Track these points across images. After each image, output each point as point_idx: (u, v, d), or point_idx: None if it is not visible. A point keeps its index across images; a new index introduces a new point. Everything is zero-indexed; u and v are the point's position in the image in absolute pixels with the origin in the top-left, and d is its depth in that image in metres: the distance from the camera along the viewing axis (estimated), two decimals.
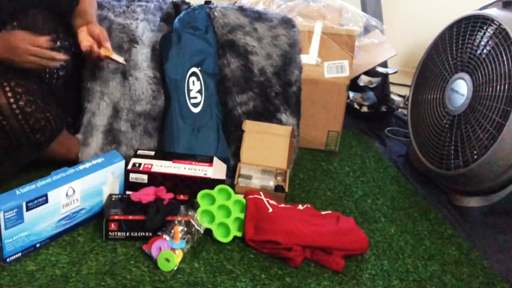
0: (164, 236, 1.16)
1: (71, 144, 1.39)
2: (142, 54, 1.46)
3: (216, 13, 1.55)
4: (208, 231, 1.23)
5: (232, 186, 1.39)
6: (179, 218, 1.19)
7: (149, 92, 1.45)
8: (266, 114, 1.56)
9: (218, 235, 1.22)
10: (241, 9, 1.58)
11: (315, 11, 1.79)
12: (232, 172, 1.47)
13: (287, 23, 1.60)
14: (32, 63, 1.14)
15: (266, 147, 1.51)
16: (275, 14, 1.62)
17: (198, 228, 1.20)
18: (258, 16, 1.58)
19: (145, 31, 1.48)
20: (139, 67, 1.45)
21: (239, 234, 1.24)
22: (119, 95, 1.43)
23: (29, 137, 1.16)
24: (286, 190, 1.41)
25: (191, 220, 1.20)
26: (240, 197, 1.32)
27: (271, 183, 1.45)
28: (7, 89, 1.12)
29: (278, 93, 1.57)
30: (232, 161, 1.51)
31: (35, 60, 1.14)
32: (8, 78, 1.13)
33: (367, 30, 2.02)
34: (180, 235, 1.16)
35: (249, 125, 1.53)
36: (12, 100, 1.12)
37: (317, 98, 1.72)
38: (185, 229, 1.18)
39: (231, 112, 1.54)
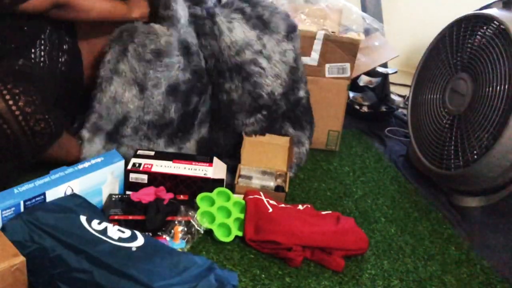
0: (164, 236, 1.16)
1: (70, 147, 1.37)
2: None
3: (222, 27, 1.43)
4: (208, 231, 1.23)
5: (232, 185, 1.39)
6: (179, 218, 1.19)
7: (161, 107, 1.40)
8: (275, 132, 1.54)
9: (219, 235, 1.22)
10: (245, 17, 1.45)
11: (317, 10, 1.78)
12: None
13: (292, 31, 1.51)
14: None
15: (266, 152, 1.51)
16: (279, 20, 1.50)
17: (198, 228, 1.19)
18: (264, 27, 1.47)
19: None
20: (159, 87, 1.38)
21: (240, 234, 1.24)
22: (133, 107, 1.37)
23: (29, 139, 1.14)
24: (286, 190, 1.41)
25: (191, 220, 1.19)
26: (239, 198, 1.32)
27: (271, 184, 1.45)
28: (5, 92, 1.10)
29: (285, 113, 1.53)
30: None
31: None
32: (5, 81, 1.12)
33: (368, 32, 2.02)
34: (180, 235, 1.16)
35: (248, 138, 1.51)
36: (11, 102, 1.10)
37: (317, 97, 1.71)
38: (185, 229, 1.18)
39: (238, 133, 1.50)
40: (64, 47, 1.34)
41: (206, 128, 1.53)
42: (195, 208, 1.25)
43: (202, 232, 1.20)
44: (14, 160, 1.17)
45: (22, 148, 1.15)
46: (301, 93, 1.55)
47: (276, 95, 1.49)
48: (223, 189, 1.32)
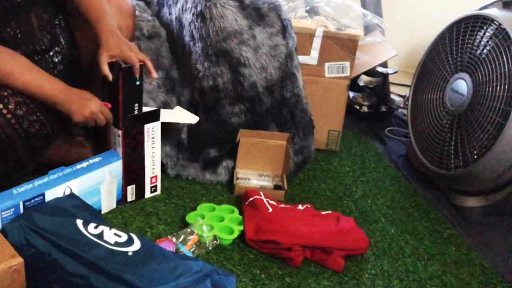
0: (172, 239, 1.15)
1: (69, 150, 1.36)
2: None
3: (214, 12, 1.41)
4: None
5: (231, 187, 1.39)
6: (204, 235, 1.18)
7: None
8: (259, 129, 1.50)
9: (225, 236, 1.22)
10: (242, 6, 1.43)
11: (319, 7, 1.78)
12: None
13: (287, 29, 1.49)
14: (86, 121, 1.17)
15: (262, 155, 1.49)
16: (275, 16, 1.48)
17: (208, 247, 1.19)
18: (258, 18, 1.46)
19: None
20: None
21: (241, 228, 1.23)
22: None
23: (24, 142, 1.12)
24: (285, 188, 1.41)
25: (206, 243, 1.19)
26: (224, 205, 1.33)
27: (270, 184, 1.45)
28: None
29: (270, 111, 1.49)
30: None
31: (91, 121, 1.18)
32: None
33: (368, 29, 2.01)
34: (193, 247, 1.16)
35: (244, 134, 1.48)
36: (0, 106, 1.08)
37: (317, 97, 1.71)
38: (199, 243, 1.18)
39: (225, 122, 1.48)
40: (56, 48, 1.29)
41: None
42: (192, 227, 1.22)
43: (211, 248, 1.19)
44: (12, 163, 1.15)
45: (18, 151, 1.13)
46: (288, 94, 1.50)
47: (259, 88, 1.45)
48: (205, 204, 1.32)
